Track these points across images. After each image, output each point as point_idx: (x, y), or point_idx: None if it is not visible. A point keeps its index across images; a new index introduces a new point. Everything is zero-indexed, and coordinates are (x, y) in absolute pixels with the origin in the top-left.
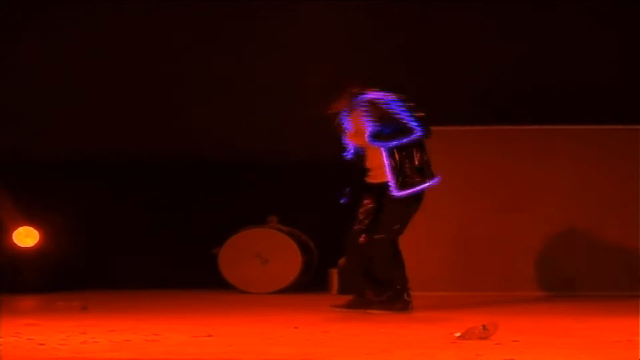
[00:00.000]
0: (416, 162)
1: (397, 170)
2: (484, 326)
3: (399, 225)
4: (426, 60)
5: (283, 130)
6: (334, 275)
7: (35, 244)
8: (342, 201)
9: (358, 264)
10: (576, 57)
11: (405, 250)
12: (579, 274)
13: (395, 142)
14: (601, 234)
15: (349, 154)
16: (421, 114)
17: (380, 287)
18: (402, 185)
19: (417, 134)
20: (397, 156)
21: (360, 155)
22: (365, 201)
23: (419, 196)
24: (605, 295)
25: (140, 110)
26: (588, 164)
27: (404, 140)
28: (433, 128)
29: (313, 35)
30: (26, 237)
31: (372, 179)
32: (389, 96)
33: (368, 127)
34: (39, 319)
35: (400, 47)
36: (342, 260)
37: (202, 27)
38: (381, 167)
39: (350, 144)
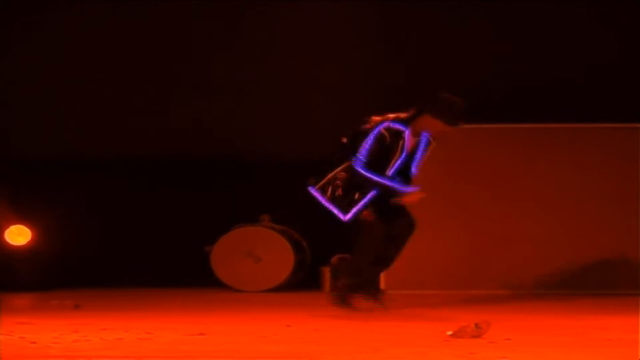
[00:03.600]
0: None
1: None
2: (476, 324)
3: None
4: (425, 60)
5: (276, 129)
6: (327, 273)
7: (28, 242)
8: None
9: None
10: (575, 54)
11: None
12: (578, 273)
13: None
14: (601, 233)
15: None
16: None
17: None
18: None
19: None
20: None
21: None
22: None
23: None
24: (604, 294)
25: (131, 108)
26: (587, 163)
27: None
28: None
29: (316, 35)
30: (18, 235)
31: None
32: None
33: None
34: (31, 317)
35: (399, 46)
36: (334, 259)
37: (205, 27)
38: None
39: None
